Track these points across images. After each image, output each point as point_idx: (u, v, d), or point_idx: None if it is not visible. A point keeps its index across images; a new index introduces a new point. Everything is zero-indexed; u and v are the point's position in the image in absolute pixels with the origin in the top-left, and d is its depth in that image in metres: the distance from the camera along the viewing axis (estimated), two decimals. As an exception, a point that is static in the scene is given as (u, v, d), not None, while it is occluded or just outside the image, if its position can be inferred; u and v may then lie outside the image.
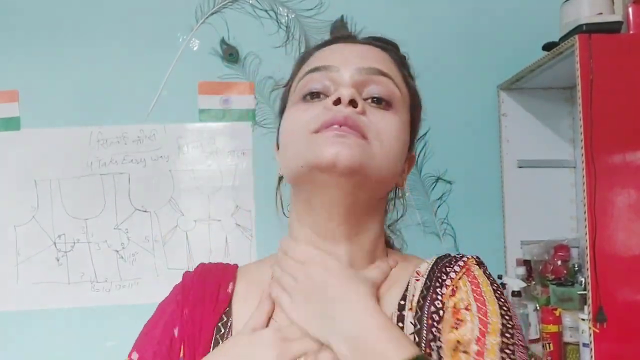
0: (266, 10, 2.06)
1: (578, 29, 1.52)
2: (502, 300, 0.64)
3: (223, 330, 0.67)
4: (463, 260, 0.68)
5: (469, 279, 0.66)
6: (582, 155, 1.46)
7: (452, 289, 0.65)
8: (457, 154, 2.05)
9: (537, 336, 1.74)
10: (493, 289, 0.65)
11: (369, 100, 0.65)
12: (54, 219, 1.98)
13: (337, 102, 0.62)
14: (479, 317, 0.61)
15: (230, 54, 2.04)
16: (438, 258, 0.70)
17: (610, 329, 1.42)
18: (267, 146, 2.06)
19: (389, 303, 0.66)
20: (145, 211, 2.00)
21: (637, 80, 1.49)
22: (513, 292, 1.75)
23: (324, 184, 0.63)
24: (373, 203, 0.69)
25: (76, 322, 1.96)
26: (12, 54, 2.00)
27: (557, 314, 1.65)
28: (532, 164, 2.03)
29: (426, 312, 0.64)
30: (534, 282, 1.91)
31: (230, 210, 2.01)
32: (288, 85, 0.74)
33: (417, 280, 0.68)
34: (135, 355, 0.69)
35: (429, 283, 0.66)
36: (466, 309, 0.62)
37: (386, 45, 0.72)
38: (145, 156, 2.01)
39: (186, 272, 0.76)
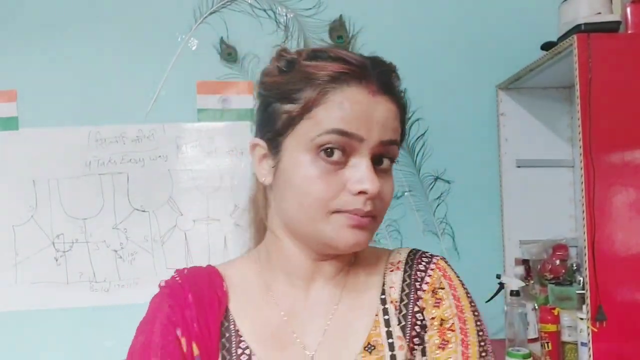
0: (265, 10, 2.06)
1: (576, 29, 1.52)
2: (471, 300, 0.75)
3: (227, 324, 0.74)
4: (435, 261, 0.78)
5: (448, 282, 0.75)
6: (581, 154, 1.46)
7: (436, 298, 0.74)
8: (455, 153, 2.06)
9: (536, 335, 1.74)
10: (465, 292, 0.75)
11: (379, 166, 0.71)
12: (52, 218, 1.98)
13: (363, 193, 0.68)
14: (462, 339, 0.71)
15: (229, 54, 2.04)
16: (411, 252, 0.80)
17: (609, 328, 1.42)
18: (266, 146, 2.06)
19: (372, 299, 0.75)
20: (144, 211, 2.00)
21: (636, 79, 1.49)
22: (511, 291, 1.75)
23: (326, 252, 0.74)
24: None
25: (75, 322, 1.96)
26: (10, 53, 1.99)
27: (556, 314, 1.65)
28: (531, 164, 2.03)
29: (410, 311, 0.73)
30: (532, 282, 1.91)
31: (229, 209, 2.01)
32: (301, 113, 0.71)
33: (392, 270, 0.77)
34: None
35: (407, 280, 0.76)
36: (450, 329, 0.71)
37: (395, 89, 0.74)
38: (144, 156, 2.01)
39: (166, 280, 0.78)
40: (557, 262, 1.87)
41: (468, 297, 0.75)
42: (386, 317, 0.73)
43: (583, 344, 1.51)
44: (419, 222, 2.05)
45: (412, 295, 0.74)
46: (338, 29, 2.06)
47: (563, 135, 2.05)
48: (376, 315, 0.73)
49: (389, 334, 0.72)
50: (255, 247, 0.83)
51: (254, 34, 2.05)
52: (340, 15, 2.06)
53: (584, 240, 1.45)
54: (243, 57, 2.04)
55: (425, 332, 0.72)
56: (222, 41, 2.04)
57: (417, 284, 0.75)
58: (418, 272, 0.76)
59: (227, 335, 0.73)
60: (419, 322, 0.73)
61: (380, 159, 0.71)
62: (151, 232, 2.00)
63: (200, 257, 1.99)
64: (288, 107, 0.71)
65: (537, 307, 1.78)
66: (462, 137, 2.06)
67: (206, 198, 2.01)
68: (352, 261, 0.79)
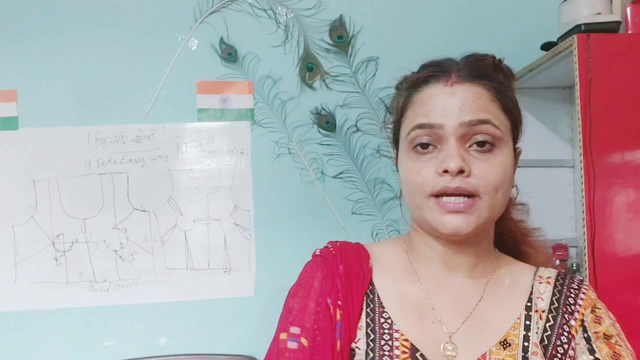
0: (265, 10, 2.06)
1: (576, 29, 1.52)
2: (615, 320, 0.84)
3: (372, 296, 0.81)
4: (586, 285, 0.85)
5: (602, 305, 0.83)
6: (581, 154, 1.46)
7: (595, 316, 0.81)
8: (455, 153, 2.05)
9: (536, 335, 1.74)
10: (609, 313, 0.84)
11: (474, 146, 0.76)
12: (52, 218, 1.98)
13: (446, 172, 0.74)
14: (632, 353, 0.79)
15: (229, 54, 2.04)
16: (558, 272, 0.86)
17: (609, 328, 1.42)
18: (266, 146, 2.07)
19: (515, 304, 0.81)
20: (144, 211, 2.00)
21: (636, 79, 1.49)
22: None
23: (446, 239, 0.80)
24: (483, 235, 0.84)
25: (75, 322, 1.96)
26: (10, 53, 1.99)
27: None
28: (531, 164, 2.03)
29: (559, 323, 0.79)
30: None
31: (229, 209, 2.01)
32: (397, 120, 0.84)
33: (541, 283, 0.83)
34: (295, 329, 0.77)
35: (558, 295, 0.81)
36: (617, 344, 0.79)
37: (482, 75, 0.78)
38: (144, 156, 2.01)
39: (322, 249, 0.86)
40: (557, 262, 1.87)
41: (614, 320, 0.83)
42: (527, 322, 0.79)
43: (583, 344, 1.50)
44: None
45: (562, 309, 0.80)
46: (338, 29, 2.06)
47: (563, 135, 2.05)
48: (518, 318, 0.79)
49: (526, 338, 0.77)
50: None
51: (254, 34, 2.05)
52: (341, 15, 2.06)
53: (584, 240, 1.45)
54: (243, 57, 2.04)
55: (587, 341, 0.78)
56: (222, 41, 2.04)
57: (570, 299, 0.81)
58: (571, 290, 0.82)
59: (371, 305, 0.80)
60: (565, 333, 0.78)
61: (482, 142, 0.75)
62: (151, 232, 2.00)
63: (200, 257, 1.99)
64: (393, 118, 0.85)
65: (537, 307, 1.78)
66: (462, 137, 2.06)
67: (206, 198, 2.01)
68: (494, 261, 0.85)
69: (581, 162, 1.46)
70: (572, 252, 1.95)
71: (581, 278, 0.86)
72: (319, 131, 2.05)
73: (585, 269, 1.44)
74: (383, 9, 2.07)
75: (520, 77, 1.88)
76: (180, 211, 2.01)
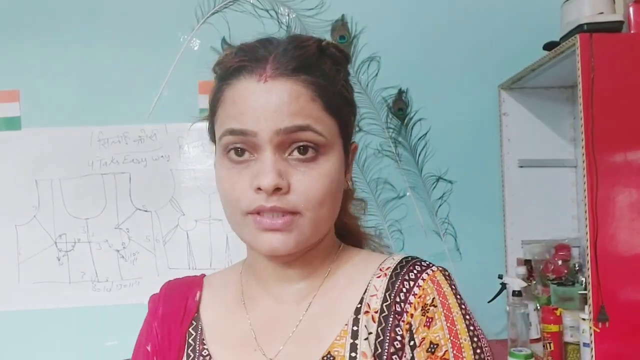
0: (267, 10, 2.06)
1: (579, 29, 1.52)
2: (469, 321, 0.66)
3: (194, 334, 0.73)
4: (429, 272, 0.68)
5: (441, 301, 0.66)
6: (583, 154, 1.46)
7: (427, 317, 0.65)
8: (458, 153, 2.05)
9: (538, 336, 1.74)
10: (462, 314, 0.66)
11: (295, 153, 0.66)
12: (55, 218, 1.98)
13: (260, 189, 0.64)
14: None
15: (231, 54, 2.04)
16: (404, 259, 0.71)
17: (611, 328, 1.42)
18: (268, 146, 2.06)
19: (344, 308, 0.69)
20: (146, 211, 2.00)
21: (638, 79, 1.49)
22: (514, 291, 1.75)
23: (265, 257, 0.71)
24: (319, 241, 0.72)
25: (77, 321, 1.96)
26: (13, 53, 2.00)
27: (558, 314, 1.65)
28: (533, 164, 2.03)
29: (390, 325, 0.66)
30: (534, 282, 1.91)
31: (231, 209, 2.01)
32: (211, 116, 0.72)
33: (378, 277, 0.70)
34: None
35: (391, 288, 0.68)
36: (443, 357, 0.63)
37: (301, 67, 0.66)
38: (146, 156, 2.01)
39: (153, 295, 0.81)
40: (560, 262, 1.86)
41: (466, 318, 0.66)
42: (355, 328, 0.67)
43: (585, 345, 1.50)
44: (421, 222, 2.05)
45: (393, 307, 0.66)
46: (340, 29, 2.06)
47: (565, 135, 2.04)
48: (345, 325, 0.67)
49: (353, 347, 0.65)
50: None
51: (256, 35, 2.04)
52: (342, 16, 2.06)
53: (587, 240, 1.44)
54: (245, 57, 2.04)
55: (412, 350, 0.65)
56: (224, 41, 2.04)
57: (401, 294, 0.67)
58: (405, 282, 0.67)
59: (192, 345, 0.73)
60: (399, 337, 0.65)
61: (304, 148, 0.65)
62: (153, 231, 2.00)
63: (202, 257, 1.99)
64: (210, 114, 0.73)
65: (539, 308, 1.78)
66: (465, 137, 2.06)
67: (208, 198, 2.01)
68: (334, 260, 0.74)
69: (584, 162, 1.46)
70: (575, 252, 1.95)
71: (429, 263, 0.70)
72: (321, 131, 2.04)
73: (588, 269, 1.44)
74: (385, 9, 2.07)
75: (523, 77, 1.87)
76: (183, 211, 2.01)
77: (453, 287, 0.68)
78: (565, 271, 1.84)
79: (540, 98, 2.03)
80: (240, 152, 0.66)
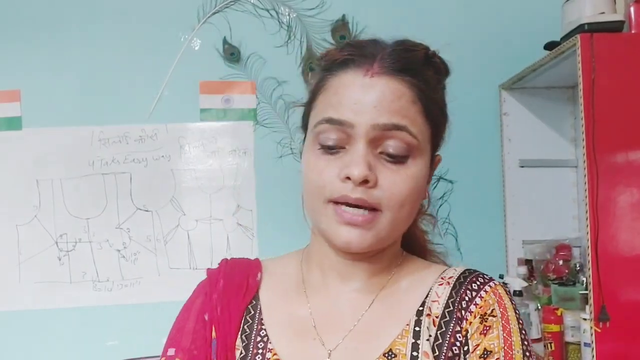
0: (268, 10, 2.06)
1: (580, 29, 1.52)
2: (524, 337, 0.68)
3: (253, 312, 0.74)
4: (491, 284, 0.71)
5: (501, 312, 0.69)
6: (584, 154, 1.46)
7: (485, 325, 0.67)
8: (458, 153, 2.04)
9: (539, 336, 1.74)
10: (519, 328, 0.68)
11: (385, 154, 0.67)
12: (55, 218, 1.98)
13: (349, 179, 0.66)
14: None
15: (232, 54, 2.04)
16: (467, 270, 0.74)
17: (612, 328, 1.42)
18: (269, 146, 2.07)
19: (406, 309, 0.70)
20: (146, 211, 2.01)
21: (639, 79, 1.49)
22: (514, 291, 1.75)
23: (340, 251, 0.71)
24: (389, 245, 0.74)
25: (78, 321, 1.96)
26: (14, 53, 2.00)
27: (559, 314, 1.65)
28: (534, 164, 2.03)
29: (450, 330, 0.68)
30: (535, 282, 1.91)
31: (232, 209, 2.01)
32: (309, 103, 0.74)
33: (441, 284, 0.72)
34: (171, 351, 0.73)
35: (454, 297, 0.70)
36: None
37: (407, 69, 0.69)
38: (147, 156, 2.01)
39: (209, 268, 0.81)
40: (560, 262, 1.86)
41: (522, 333, 0.68)
42: (417, 328, 0.68)
43: (586, 345, 1.50)
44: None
45: (455, 314, 0.69)
46: (341, 29, 2.06)
47: (566, 135, 2.04)
48: (407, 325, 0.69)
49: (415, 347, 0.67)
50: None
51: (256, 34, 2.05)
52: (343, 15, 2.06)
53: (587, 240, 1.44)
54: (246, 57, 2.04)
55: (465, 355, 0.67)
56: (225, 41, 2.04)
57: (463, 302, 0.69)
58: (468, 291, 0.70)
59: (249, 322, 0.73)
60: (458, 343, 0.67)
61: (397, 148, 0.67)
62: (154, 231, 2.00)
63: (203, 256, 1.99)
64: (307, 99, 0.74)
65: (540, 308, 1.78)
66: (465, 137, 2.05)
67: (209, 198, 2.01)
68: (398, 265, 0.76)
69: (585, 162, 1.46)
70: (576, 252, 1.95)
71: (490, 277, 0.73)
72: (321, 131, 2.04)
73: (589, 269, 1.44)
74: (386, 8, 2.07)
75: (524, 76, 1.87)
76: (183, 211, 2.01)
77: (512, 302, 0.71)
78: (566, 271, 1.84)
79: (541, 98, 2.03)
80: (333, 141, 0.67)
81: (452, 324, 0.68)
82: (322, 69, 0.73)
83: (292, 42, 2.06)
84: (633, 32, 1.54)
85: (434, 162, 0.76)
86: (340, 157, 0.67)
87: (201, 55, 2.04)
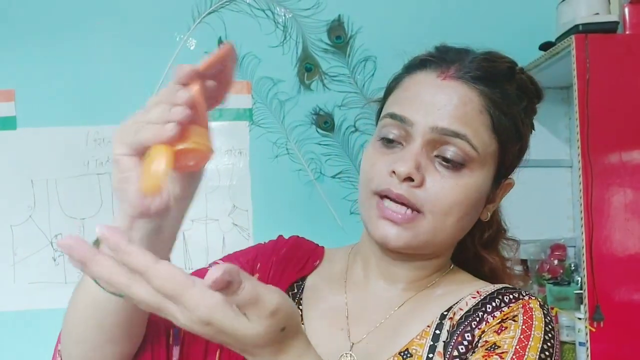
0: (263, 10, 2.06)
1: (574, 29, 1.53)
2: (548, 347, 0.63)
3: (295, 290, 0.75)
4: (524, 297, 0.68)
5: (526, 319, 0.65)
6: (579, 155, 1.46)
7: (502, 326, 0.64)
8: (454, 153, 2.06)
9: (534, 335, 1.74)
10: (543, 338, 0.64)
11: (440, 158, 0.66)
12: (50, 218, 1.97)
13: (394, 173, 0.65)
14: None
15: (228, 54, 2.04)
16: (506, 286, 0.71)
17: (607, 328, 1.43)
18: (265, 146, 2.07)
19: (431, 312, 0.70)
20: (142, 211, 2.00)
21: (634, 80, 1.49)
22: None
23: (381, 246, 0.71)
24: (435, 254, 0.73)
25: (73, 322, 1.95)
26: (9, 53, 1.99)
27: (554, 313, 1.65)
28: (529, 164, 2.01)
29: (461, 329, 0.66)
30: (530, 282, 1.91)
31: (227, 209, 2.01)
32: (383, 99, 0.75)
33: (473, 297, 0.69)
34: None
35: (480, 306, 0.68)
36: (500, 355, 0.61)
37: (484, 78, 0.68)
38: (142, 156, 2.00)
39: (280, 236, 0.83)
40: (555, 262, 1.87)
41: (545, 343, 0.63)
42: (437, 331, 0.67)
43: (581, 344, 1.51)
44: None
45: (472, 316, 0.67)
46: (337, 29, 2.06)
47: (561, 135, 2.05)
48: (428, 326, 0.68)
49: (432, 349, 0.66)
50: None
51: (252, 34, 2.05)
52: (339, 16, 2.06)
53: (582, 240, 1.45)
54: (242, 57, 2.04)
55: (472, 351, 0.64)
56: (220, 41, 2.04)
57: (489, 307, 0.67)
58: (497, 300, 0.68)
59: (297, 297, 0.75)
60: (465, 342, 0.65)
61: (453, 155, 0.65)
62: (149, 232, 1.99)
63: (198, 256, 1.99)
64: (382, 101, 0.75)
65: (535, 307, 1.78)
66: (461, 137, 2.06)
67: (204, 198, 2.01)
68: (442, 276, 0.75)
69: (579, 162, 1.46)
70: (571, 252, 1.95)
71: (529, 293, 0.70)
72: (317, 131, 2.05)
73: (583, 268, 1.44)
74: (382, 9, 2.07)
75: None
76: (179, 211, 2.00)
77: (546, 317, 0.66)
78: (561, 271, 1.85)
79: (536, 98, 2.04)
80: (393, 136, 0.67)
81: (464, 324, 0.66)
82: (403, 67, 0.74)
83: (288, 43, 2.06)
84: (627, 33, 1.55)
85: (500, 183, 0.74)
86: (395, 153, 0.67)
87: (197, 55, 2.03)
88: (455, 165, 0.65)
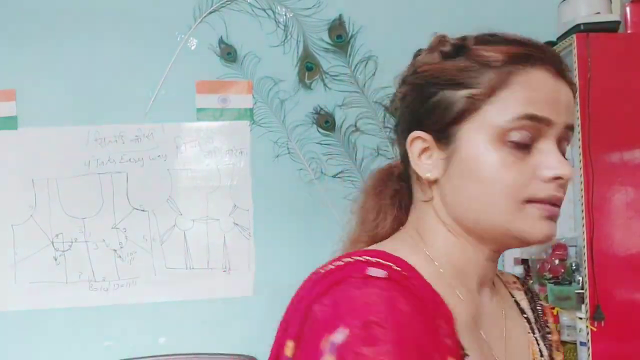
0: (264, 10, 2.06)
1: (576, 29, 1.52)
2: None
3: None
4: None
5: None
6: (580, 154, 1.46)
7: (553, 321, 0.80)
8: (455, 153, 2.05)
9: (535, 335, 1.74)
10: None
11: (560, 148, 0.70)
12: (51, 218, 1.97)
13: (558, 179, 0.66)
14: None
15: (228, 53, 2.04)
16: (517, 278, 0.85)
17: (608, 327, 1.42)
18: (265, 145, 2.07)
19: (517, 318, 0.77)
20: (143, 210, 2.00)
21: (635, 79, 1.49)
22: (511, 291, 1.75)
23: (510, 246, 0.71)
24: None
25: (74, 321, 1.96)
26: (10, 53, 1.99)
27: (555, 313, 1.65)
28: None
29: (541, 326, 0.79)
30: (531, 281, 1.91)
31: (228, 209, 2.01)
32: (480, 98, 0.67)
33: (513, 290, 0.81)
34: None
35: (531, 301, 0.81)
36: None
37: (570, 79, 0.71)
38: (143, 155, 2.01)
39: (380, 271, 0.64)
40: (556, 261, 1.86)
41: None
42: (535, 335, 0.77)
43: (582, 344, 1.51)
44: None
45: (536, 310, 0.80)
46: (337, 28, 2.06)
47: (562, 134, 2.05)
48: (528, 333, 0.76)
49: (542, 353, 0.76)
50: (399, 239, 0.73)
51: (253, 34, 2.05)
52: (340, 15, 2.06)
53: (583, 239, 1.45)
54: (242, 57, 2.04)
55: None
56: (221, 41, 2.04)
57: (536, 298, 0.82)
58: (532, 291, 0.83)
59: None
60: (548, 333, 0.79)
61: (561, 145, 0.68)
62: (150, 231, 2.00)
63: (199, 256, 1.99)
64: (465, 92, 0.66)
65: (536, 307, 1.78)
66: (462, 136, 2.06)
67: (205, 197, 2.01)
68: None
69: (580, 161, 1.46)
70: (572, 251, 1.95)
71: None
72: (318, 131, 2.05)
73: (585, 268, 1.44)
74: (382, 8, 2.07)
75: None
76: (180, 211, 2.01)
77: None
78: (562, 270, 1.84)
79: (537, 98, 2.04)
80: (529, 138, 0.66)
81: (542, 322, 0.80)
82: (500, 63, 0.67)
83: (289, 42, 2.06)
84: (629, 32, 1.55)
85: None
86: (532, 155, 0.66)
87: (198, 55, 2.03)
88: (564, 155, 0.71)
